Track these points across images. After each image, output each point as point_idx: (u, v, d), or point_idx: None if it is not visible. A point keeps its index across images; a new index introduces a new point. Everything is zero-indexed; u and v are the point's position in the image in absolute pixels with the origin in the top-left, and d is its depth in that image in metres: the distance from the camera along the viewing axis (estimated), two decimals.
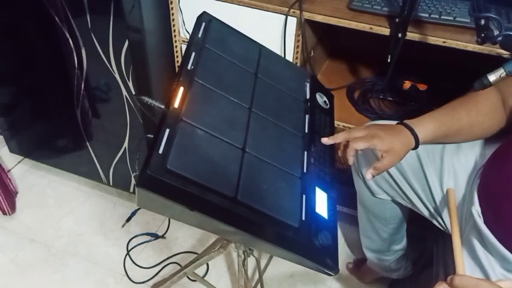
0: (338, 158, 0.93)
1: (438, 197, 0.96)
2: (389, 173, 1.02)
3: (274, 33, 1.17)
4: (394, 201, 1.10)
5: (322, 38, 1.32)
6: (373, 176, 0.84)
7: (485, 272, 0.81)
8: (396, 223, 1.18)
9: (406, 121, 0.89)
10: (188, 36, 1.19)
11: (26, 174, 1.77)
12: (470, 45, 0.98)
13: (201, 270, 1.44)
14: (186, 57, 0.83)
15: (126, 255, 1.49)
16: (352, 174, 1.15)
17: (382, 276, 1.35)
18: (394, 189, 1.05)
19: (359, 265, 1.43)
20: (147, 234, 1.55)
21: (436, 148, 0.97)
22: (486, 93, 0.87)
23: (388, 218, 1.16)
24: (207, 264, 1.46)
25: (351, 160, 0.85)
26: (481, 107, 0.89)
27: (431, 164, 0.97)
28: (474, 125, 0.89)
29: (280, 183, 0.76)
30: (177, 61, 1.37)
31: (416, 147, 0.87)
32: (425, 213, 1.01)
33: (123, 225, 1.58)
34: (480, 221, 0.82)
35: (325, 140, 0.88)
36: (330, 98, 1.04)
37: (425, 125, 0.88)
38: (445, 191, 0.95)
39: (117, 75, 1.31)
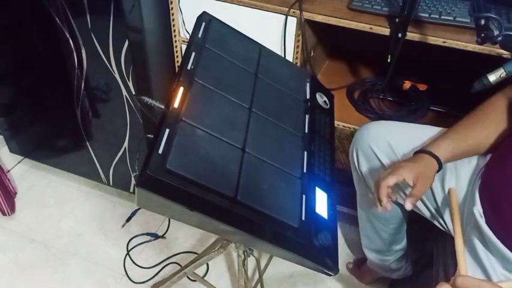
0: (338, 158, 0.93)
1: (439, 198, 0.96)
2: None
3: (274, 33, 1.17)
4: (394, 201, 1.10)
5: (322, 38, 1.32)
6: (413, 205, 0.84)
7: (486, 272, 0.81)
8: (396, 223, 1.18)
9: (422, 148, 0.90)
10: (188, 36, 1.19)
11: (26, 174, 1.77)
12: (470, 45, 0.98)
13: (201, 270, 1.44)
14: (186, 57, 0.83)
15: (126, 255, 1.49)
16: (351, 174, 1.15)
17: (382, 276, 1.35)
18: (395, 189, 1.04)
19: (359, 265, 1.43)
20: (147, 234, 1.55)
21: None
22: (493, 103, 0.89)
23: (388, 218, 1.16)
24: (207, 264, 1.46)
25: (385, 201, 0.85)
26: (492, 117, 0.89)
27: None
28: (489, 135, 0.90)
29: (280, 183, 0.76)
30: (177, 61, 1.37)
31: (440, 169, 0.88)
32: (427, 214, 1.01)
33: (123, 225, 1.58)
34: (482, 221, 0.82)
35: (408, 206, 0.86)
36: (330, 98, 1.04)
37: (441, 147, 0.88)
38: (446, 192, 0.94)
39: (117, 75, 1.31)
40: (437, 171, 0.88)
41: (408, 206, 0.84)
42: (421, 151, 0.89)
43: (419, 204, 1.00)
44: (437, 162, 0.87)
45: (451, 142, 0.89)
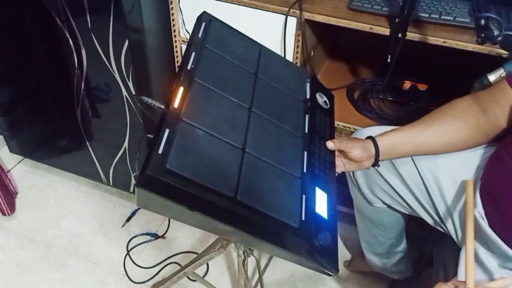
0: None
1: (441, 207, 0.94)
2: (387, 182, 1.01)
3: (274, 33, 1.17)
4: (391, 208, 1.09)
5: (322, 38, 1.32)
6: (334, 148, 0.89)
7: (488, 272, 0.81)
8: (395, 228, 1.17)
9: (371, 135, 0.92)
10: (188, 36, 1.19)
11: (26, 174, 1.77)
12: (470, 45, 0.98)
13: (201, 270, 1.44)
14: (186, 57, 0.83)
15: (126, 255, 1.49)
16: None
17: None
18: (393, 198, 1.03)
19: (353, 259, 1.44)
20: (147, 234, 1.55)
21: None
22: (455, 101, 0.89)
23: (386, 225, 1.15)
24: (207, 264, 1.46)
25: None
26: (447, 111, 0.89)
27: (427, 168, 0.95)
28: (441, 126, 0.88)
29: (280, 183, 0.76)
30: (177, 61, 1.37)
31: (377, 154, 0.89)
32: (429, 221, 0.99)
33: (123, 225, 1.58)
34: (484, 223, 0.82)
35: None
36: (330, 98, 1.04)
37: (384, 134, 0.90)
38: (446, 199, 0.93)
39: (117, 75, 1.31)
40: (377, 160, 0.90)
41: (330, 144, 0.88)
42: (369, 136, 0.91)
43: (421, 211, 0.99)
44: (374, 148, 0.89)
45: (396, 130, 0.90)
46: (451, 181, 0.93)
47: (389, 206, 1.08)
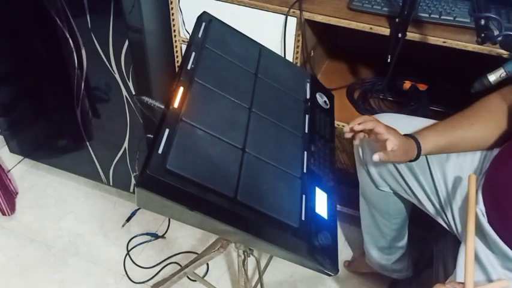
0: (338, 158, 0.93)
1: (443, 193, 0.96)
2: (395, 167, 1.02)
3: (274, 33, 1.17)
4: (396, 194, 1.10)
5: (322, 38, 1.32)
6: (379, 159, 0.86)
7: (486, 271, 0.81)
8: (399, 218, 1.17)
9: (411, 133, 0.92)
10: (188, 36, 1.19)
11: (26, 174, 1.77)
12: (470, 45, 0.98)
13: (201, 270, 1.44)
14: (186, 57, 0.83)
15: (126, 255, 1.49)
16: (352, 174, 1.15)
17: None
18: (399, 183, 1.04)
19: (353, 260, 1.44)
20: (147, 234, 1.55)
21: None
22: (486, 100, 0.90)
23: (391, 213, 1.16)
24: (207, 264, 1.46)
25: (358, 127, 0.87)
26: (482, 113, 0.90)
27: (436, 159, 0.97)
28: (478, 133, 0.91)
29: (280, 183, 0.76)
30: (177, 61, 1.37)
31: (416, 158, 0.90)
32: (431, 210, 1.01)
33: (123, 225, 1.58)
34: (484, 220, 0.82)
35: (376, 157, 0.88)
36: (330, 98, 1.04)
37: (427, 137, 0.91)
38: (449, 188, 0.95)
39: (117, 75, 1.31)
40: (413, 161, 0.91)
41: (375, 157, 0.86)
42: (410, 135, 0.92)
43: (424, 199, 1.00)
44: (417, 152, 0.90)
45: (437, 134, 0.91)
46: (456, 171, 0.95)
47: (394, 193, 1.09)
